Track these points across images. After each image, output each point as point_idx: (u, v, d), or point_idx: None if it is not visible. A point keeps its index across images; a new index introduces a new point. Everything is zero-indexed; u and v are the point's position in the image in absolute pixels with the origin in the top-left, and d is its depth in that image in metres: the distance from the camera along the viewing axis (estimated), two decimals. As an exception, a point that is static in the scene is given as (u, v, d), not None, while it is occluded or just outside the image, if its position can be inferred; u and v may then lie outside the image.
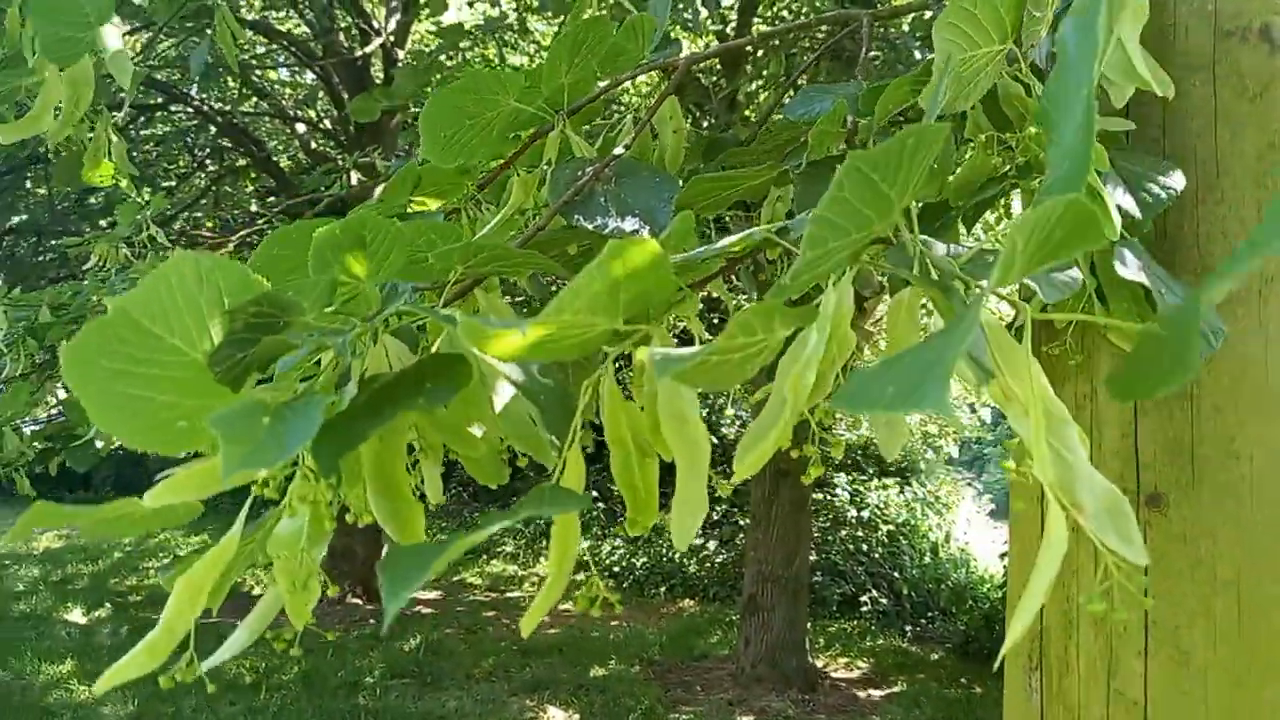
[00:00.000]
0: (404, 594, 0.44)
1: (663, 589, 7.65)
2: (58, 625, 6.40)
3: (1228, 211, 0.75)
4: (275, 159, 7.53)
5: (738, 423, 8.17)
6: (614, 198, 0.84)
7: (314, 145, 7.43)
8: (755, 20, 4.89)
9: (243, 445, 0.46)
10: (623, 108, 0.95)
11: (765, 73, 4.62)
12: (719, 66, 4.78)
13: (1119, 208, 0.67)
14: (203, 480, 0.56)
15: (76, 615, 6.68)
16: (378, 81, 6.19)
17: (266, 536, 0.60)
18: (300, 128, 7.33)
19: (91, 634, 6.23)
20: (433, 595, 7.38)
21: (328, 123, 7.38)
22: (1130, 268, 0.65)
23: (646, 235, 0.80)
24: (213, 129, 6.82)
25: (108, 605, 6.92)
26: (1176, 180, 0.71)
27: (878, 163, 0.46)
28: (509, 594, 7.56)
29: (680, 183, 0.89)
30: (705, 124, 4.57)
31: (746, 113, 4.58)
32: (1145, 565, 0.43)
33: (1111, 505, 0.45)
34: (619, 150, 0.91)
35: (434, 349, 0.67)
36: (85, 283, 2.78)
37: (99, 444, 2.69)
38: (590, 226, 0.81)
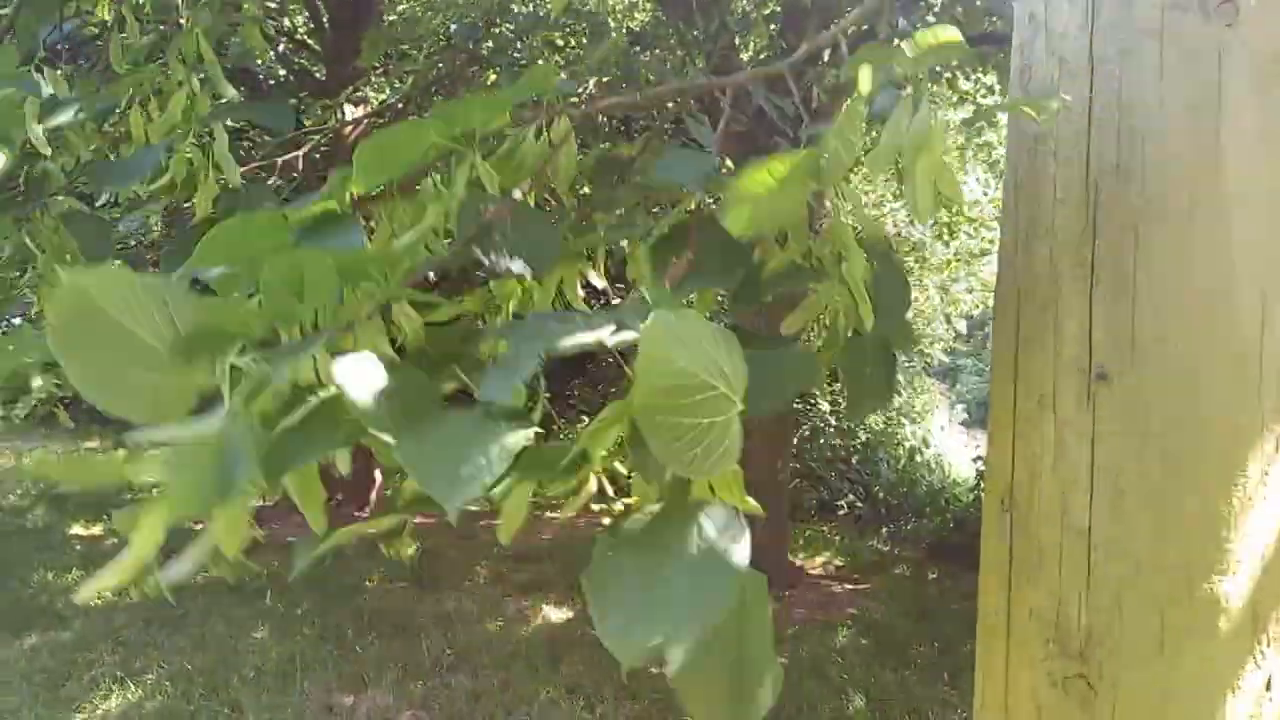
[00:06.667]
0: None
1: (648, 497, 7.93)
2: (59, 539, 6.58)
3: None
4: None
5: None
6: (507, 238, 0.92)
7: (284, 51, 7.30)
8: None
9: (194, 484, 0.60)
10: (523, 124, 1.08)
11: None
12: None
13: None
14: None
15: (78, 529, 6.86)
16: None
17: None
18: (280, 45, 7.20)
19: (95, 545, 6.42)
20: (425, 505, 7.61)
21: (302, 33, 7.25)
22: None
23: (529, 277, 0.92)
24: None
25: (106, 519, 7.10)
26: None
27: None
28: (499, 503, 7.79)
29: (560, 233, 1.00)
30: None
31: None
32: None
33: None
34: (516, 195, 1.00)
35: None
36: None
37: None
38: (486, 262, 0.90)
